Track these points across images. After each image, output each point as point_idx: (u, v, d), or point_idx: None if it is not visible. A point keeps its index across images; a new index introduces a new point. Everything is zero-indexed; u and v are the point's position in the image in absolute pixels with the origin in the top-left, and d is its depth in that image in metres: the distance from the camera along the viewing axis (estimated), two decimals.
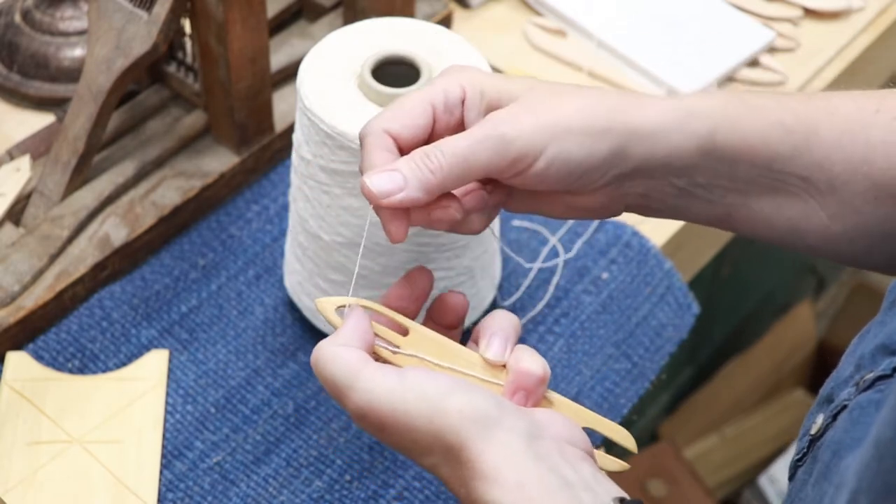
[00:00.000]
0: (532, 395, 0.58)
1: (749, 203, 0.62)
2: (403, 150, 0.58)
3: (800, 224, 0.62)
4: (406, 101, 0.59)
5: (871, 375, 0.54)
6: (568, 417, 0.57)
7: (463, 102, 0.59)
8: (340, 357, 0.56)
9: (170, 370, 0.80)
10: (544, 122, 0.57)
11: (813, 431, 0.57)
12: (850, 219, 0.61)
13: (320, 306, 0.60)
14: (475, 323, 0.75)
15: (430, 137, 0.59)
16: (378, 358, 0.58)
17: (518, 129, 0.57)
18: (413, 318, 0.61)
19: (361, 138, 0.59)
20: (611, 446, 0.63)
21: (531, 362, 0.58)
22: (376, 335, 0.59)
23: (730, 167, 0.60)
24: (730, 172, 0.60)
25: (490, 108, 0.59)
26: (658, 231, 0.89)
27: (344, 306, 0.59)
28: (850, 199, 0.60)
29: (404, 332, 0.60)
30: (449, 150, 0.57)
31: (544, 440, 0.54)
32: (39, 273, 0.80)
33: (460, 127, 0.59)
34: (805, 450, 0.57)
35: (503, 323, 0.60)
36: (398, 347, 0.59)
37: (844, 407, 0.55)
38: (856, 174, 0.59)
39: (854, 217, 0.61)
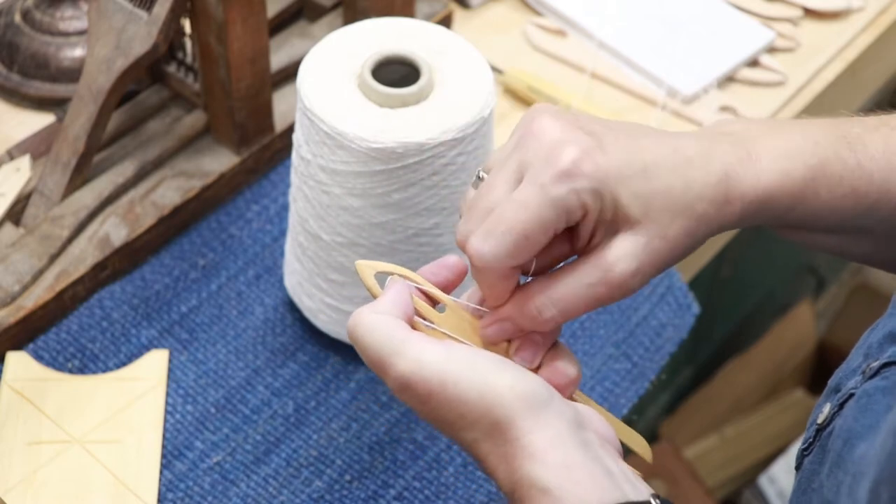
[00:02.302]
0: (561, 393, 0.58)
1: (799, 234, 0.63)
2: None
3: (847, 250, 0.64)
4: (531, 233, 0.55)
5: (877, 363, 0.54)
6: (601, 417, 0.58)
7: (582, 220, 0.56)
8: (384, 324, 0.55)
9: (170, 370, 0.80)
10: (659, 263, 0.57)
11: (819, 421, 0.57)
12: (894, 250, 0.62)
13: (360, 269, 0.59)
14: None
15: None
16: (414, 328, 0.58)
17: (640, 280, 0.57)
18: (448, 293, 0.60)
19: (479, 267, 0.56)
20: (625, 454, 0.63)
21: (567, 362, 0.59)
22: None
23: (789, 228, 0.62)
24: (787, 228, 0.62)
25: (609, 223, 0.56)
26: None
27: (383, 272, 0.59)
28: None
29: (442, 308, 0.59)
30: (567, 310, 0.57)
31: (588, 431, 0.55)
32: (39, 273, 0.80)
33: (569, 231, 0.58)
34: (812, 439, 0.57)
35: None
36: (433, 323, 0.58)
37: (851, 395, 0.55)
38: None
39: None
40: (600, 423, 0.57)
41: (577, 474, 0.52)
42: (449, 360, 0.54)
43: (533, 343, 0.58)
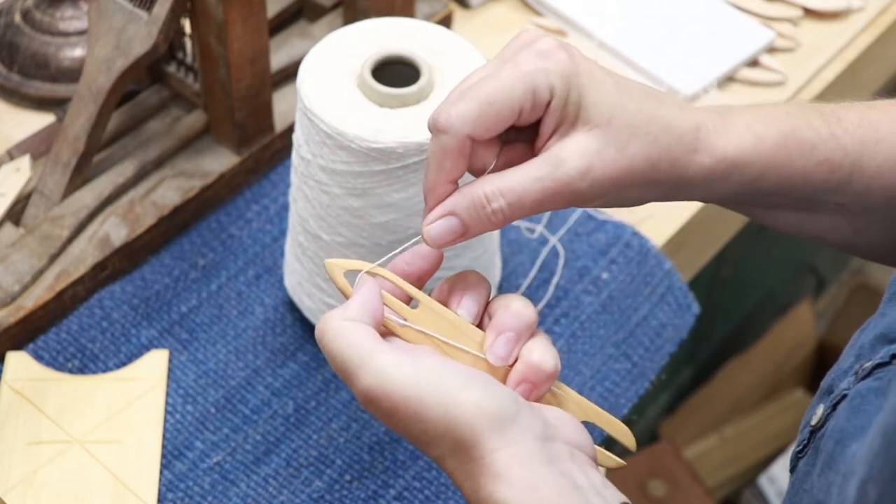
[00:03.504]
0: (537, 389, 0.57)
1: (775, 214, 0.63)
2: (475, 143, 0.57)
3: (824, 234, 0.64)
4: (495, 100, 0.55)
5: (869, 364, 0.54)
6: (576, 420, 0.57)
7: (546, 109, 0.56)
8: (350, 333, 0.54)
9: (170, 370, 0.80)
10: (614, 174, 0.56)
11: (813, 422, 0.57)
12: (875, 233, 0.62)
13: (328, 269, 0.58)
14: None
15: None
16: (385, 329, 0.57)
17: (591, 184, 0.56)
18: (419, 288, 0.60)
19: (438, 131, 0.56)
20: (611, 444, 0.63)
21: (543, 356, 0.57)
22: (384, 304, 0.57)
23: (765, 197, 0.61)
24: (763, 199, 0.61)
25: (571, 121, 0.56)
26: (658, 231, 0.89)
27: (353, 270, 0.58)
28: (881, 220, 0.61)
29: (410, 301, 0.58)
30: (516, 205, 0.56)
31: (557, 442, 0.54)
32: (39, 273, 0.80)
33: (535, 126, 0.58)
34: (806, 441, 0.57)
35: (513, 322, 0.57)
36: (405, 320, 0.57)
37: (844, 396, 0.55)
38: (893, 200, 0.60)
39: (879, 232, 0.62)
40: (572, 430, 0.56)
41: (543, 492, 0.51)
42: (414, 375, 0.53)
43: (506, 339, 0.57)
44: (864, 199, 0.61)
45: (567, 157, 0.56)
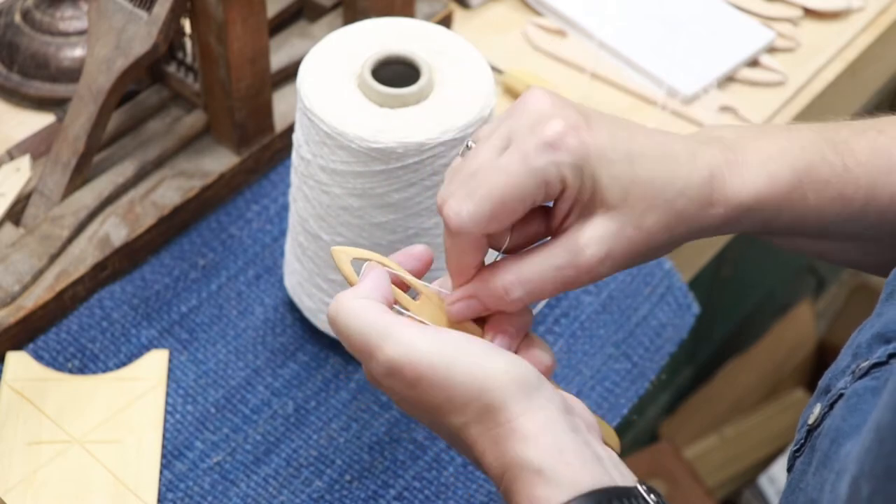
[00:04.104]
0: None
1: (787, 240, 0.63)
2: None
3: (835, 256, 0.64)
4: (507, 200, 0.54)
5: (866, 363, 0.54)
6: (582, 403, 0.58)
7: (560, 196, 0.56)
8: (367, 309, 0.55)
9: (170, 370, 0.80)
10: (631, 253, 0.57)
11: (810, 422, 0.57)
12: (886, 255, 0.62)
13: (335, 255, 0.59)
14: None
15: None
16: None
17: (608, 266, 0.57)
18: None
19: (454, 229, 0.55)
20: None
21: (541, 351, 0.58)
22: None
23: (777, 233, 0.61)
24: (774, 234, 0.62)
25: (586, 204, 0.56)
26: None
27: (359, 259, 0.59)
28: (890, 245, 0.61)
29: (414, 294, 0.59)
30: (534, 293, 0.56)
31: (575, 416, 0.55)
32: (39, 273, 0.80)
33: (546, 211, 0.58)
34: (803, 440, 0.57)
35: (513, 320, 0.59)
36: (408, 310, 0.58)
37: (841, 396, 0.55)
38: None
39: (886, 254, 0.62)
40: (584, 411, 0.57)
41: (569, 456, 0.52)
42: (439, 344, 0.54)
43: (507, 335, 0.58)
44: (877, 228, 0.61)
45: (586, 244, 0.56)
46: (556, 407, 0.54)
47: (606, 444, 0.60)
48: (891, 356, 0.53)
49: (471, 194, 0.55)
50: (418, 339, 0.54)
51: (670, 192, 0.57)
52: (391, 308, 0.57)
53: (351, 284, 0.58)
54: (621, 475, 0.53)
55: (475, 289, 0.57)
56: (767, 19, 1.05)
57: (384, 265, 0.59)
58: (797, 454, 0.58)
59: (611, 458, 0.54)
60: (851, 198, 0.60)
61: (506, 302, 0.57)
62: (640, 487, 0.53)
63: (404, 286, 0.59)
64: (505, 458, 0.53)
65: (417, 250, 0.60)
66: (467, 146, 0.58)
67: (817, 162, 0.59)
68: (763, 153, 0.59)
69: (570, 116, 0.55)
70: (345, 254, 0.59)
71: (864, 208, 0.60)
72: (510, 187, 0.54)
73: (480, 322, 0.59)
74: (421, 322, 0.57)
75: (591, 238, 0.56)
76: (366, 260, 0.59)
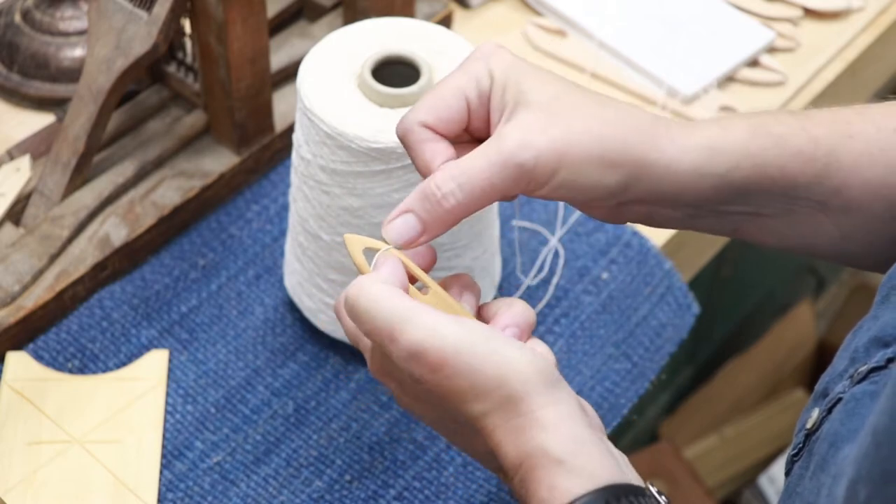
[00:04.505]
0: (520, 338, 0.59)
1: (759, 221, 0.62)
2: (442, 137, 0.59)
3: (811, 240, 0.63)
4: (442, 92, 0.58)
5: (864, 368, 0.54)
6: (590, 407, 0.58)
7: (490, 96, 0.59)
8: (390, 293, 0.55)
9: (170, 370, 0.80)
10: (560, 146, 0.56)
11: (808, 426, 0.57)
12: (863, 236, 0.61)
13: (348, 242, 0.59)
14: None
15: (467, 126, 0.60)
16: None
17: (535, 155, 0.56)
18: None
19: (401, 136, 0.59)
20: None
21: (545, 349, 0.59)
22: None
23: (744, 197, 0.60)
24: (743, 200, 0.61)
25: (513, 105, 0.58)
26: (658, 231, 0.89)
27: (371, 248, 0.59)
28: (866, 219, 0.61)
29: (421, 287, 0.60)
30: (466, 186, 0.56)
31: (588, 415, 0.56)
32: (39, 273, 0.80)
33: (488, 119, 0.59)
34: (801, 445, 0.57)
35: (518, 319, 0.59)
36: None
37: (839, 400, 0.55)
38: (874, 197, 0.60)
39: (868, 235, 0.61)
40: (592, 412, 0.57)
41: (589, 448, 0.53)
42: (464, 331, 0.54)
43: (511, 334, 0.58)
44: (843, 195, 0.60)
45: (510, 131, 0.57)
46: (574, 402, 0.54)
47: None
48: (889, 360, 0.53)
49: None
50: (443, 325, 0.54)
51: (606, 110, 0.58)
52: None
53: (362, 273, 0.58)
54: (634, 475, 0.54)
55: (409, 200, 0.58)
56: (767, 19, 1.05)
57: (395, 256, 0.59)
58: (795, 458, 0.58)
59: (622, 458, 0.55)
60: (812, 156, 0.59)
61: (438, 200, 0.57)
62: (651, 488, 0.53)
63: (411, 279, 0.59)
64: (525, 448, 0.53)
65: (422, 248, 0.60)
66: None
67: (771, 122, 0.60)
68: (712, 120, 0.60)
69: (512, 54, 0.60)
70: (358, 242, 0.59)
71: (827, 168, 0.59)
72: (444, 83, 0.59)
73: (486, 322, 0.60)
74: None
75: (515, 126, 0.57)
76: (376, 250, 0.59)
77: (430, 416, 0.58)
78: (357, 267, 0.59)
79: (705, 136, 0.58)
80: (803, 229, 0.62)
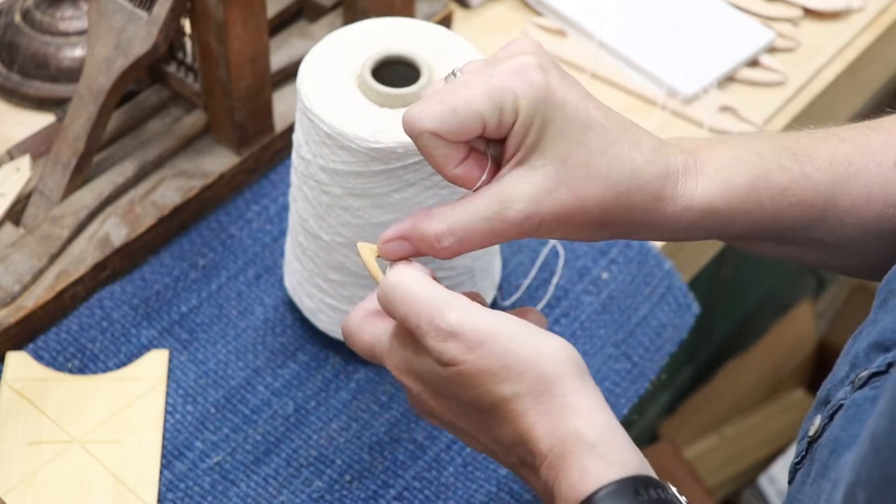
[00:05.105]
0: None
1: (748, 244, 0.64)
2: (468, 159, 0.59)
3: (800, 258, 0.65)
4: (459, 110, 0.56)
5: (865, 373, 0.54)
6: None
7: (509, 132, 0.57)
8: (429, 282, 0.56)
9: (170, 370, 0.80)
10: (564, 213, 0.57)
11: (811, 433, 0.57)
12: (852, 260, 0.62)
13: (361, 251, 0.60)
14: None
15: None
16: None
17: (538, 223, 0.57)
18: None
19: (413, 136, 0.57)
20: None
21: (535, 315, 0.60)
22: None
23: (734, 238, 0.62)
24: (733, 239, 0.62)
25: (530, 147, 0.56)
26: None
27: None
28: (857, 250, 0.61)
29: None
30: (465, 239, 0.57)
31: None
32: (39, 273, 0.80)
33: (504, 136, 0.58)
34: (804, 452, 0.57)
35: (530, 321, 0.59)
36: None
37: (841, 406, 0.55)
38: (868, 231, 0.60)
39: (857, 258, 0.62)
40: None
41: (620, 438, 0.53)
42: (501, 317, 0.55)
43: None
44: (838, 233, 0.61)
45: (516, 198, 0.56)
46: (601, 394, 0.55)
47: None
48: (889, 365, 0.53)
49: (428, 99, 0.56)
50: (481, 310, 0.55)
51: (615, 172, 0.57)
52: None
53: (376, 279, 0.59)
54: (646, 467, 0.54)
55: (409, 231, 0.58)
56: (767, 19, 1.05)
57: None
58: (798, 466, 0.58)
59: (640, 452, 0.55)
60: (811, 204, 0.60)
61: (437, 249, 0.57)
62: (672, 488, 0.53)
63: None
64: (559, 432, 0.53)
65: None
66: (453, 73, 0.59)
67: (774, 169, 0.59)
68: (718, 160, 0.59)
69: (546, 61, 0.56)
70: (370, 249, 0.60)
71: (824, 214, 0.60)
72: (465, 98, 0.55)
73: None
74: None
75: (522, 193, 0.56)
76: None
77: (451, 413, 0.58)
78: (371, 274, 0.60)
79: (706, 196, 0.58)
80: (792, 252, 0.64)
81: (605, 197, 0.57)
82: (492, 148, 0.59)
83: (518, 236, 0.58)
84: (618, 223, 0.58)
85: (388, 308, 0.57)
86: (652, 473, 0.54)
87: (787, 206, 0.59)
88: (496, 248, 0.81)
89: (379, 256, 0.60)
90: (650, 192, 0.57)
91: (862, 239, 0.61)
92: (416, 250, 0.58)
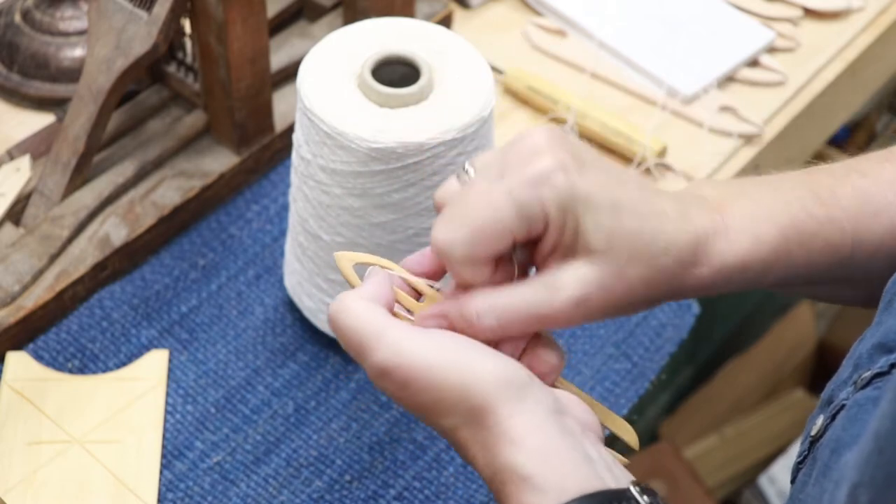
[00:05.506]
0: (543, 380, 0.57)
1: (785, 290, 0.63)
2: None
3: (825, 298, 0.65)
4: (487, 229, 0.54)
5: (867, 374, 0.54)
6: (582, 402, 0.57)
7: (543, 234, 0.56)
8: (365, 310, 0.55)
9: (170, 370, 0.80)
10: (608, 303, 0.56)
11: (813, 433, 0.57)
12: (876, 292, 0.62)
13: (338, 260, 0.59)
14: None
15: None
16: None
17: (584, 311, 0.56)
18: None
19: (444, 261, 0.56)
20: (612, 442, 0.63)
21: (549, 350, 0.58)
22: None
23: (772, 287, 0.61)
24: (770, 287, 0.62)
25: (569, 246, 0.56)
26: None
27: (362, 263, 0.59)
28: (881, 284, 0.61)
29: (418, 296, 0.59)
30: (506, 321, 0.56)
31: (568, 417, 0.55)
32: (39, 273, 0.80)
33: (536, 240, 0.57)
34: (806, 452, 0.57)
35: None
36: (411, 313, 0.58)
37: (843, 406, 0.55)
38: (892, 268, 0.60)
39: (880, 290, 0.62)
40: (581, 410, 0.56)
41: (557, 461, 0.52)
42: (428, 346, 0.54)
43: (512, 339, 0.58)
44: (866, 271, 0.61)
45: (564, 285, 0.56)
46: (545, 409, 0.54)
47: (619, 437, 0.60)
48: (892, 366, 0.53)
49: (453, 219, 0.55)
50: (407, 342, 0.54)
51: (655, 248, 0.56)
52: (393, 311, 0.57)
53: (353, 288, 0.58)
54: (614, 477, 0.53)
55: (448, 308, 0.57)
56: (767, 19, 1.05)
57: (388, 268, 0.59)
58: (800, 465, 0.58)
59: (604, 459, 0.54)
60: (839, 246, 0.60)
61: (476, 327, 0.56)
62: (633, 489, 0.52)
63: (414, 292, 0.59)
64: (494, 463, 0.53)
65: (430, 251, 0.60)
66: (465, 170, 0.58)
67: (801, 217, 0.59)
68: (747, 214, 0.59)
69: (562, 156, 0.55)
70: (347, 259, 0.59)
71: (852, 253, 0.60)
72: (491, 217, 0.54)
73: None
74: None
75: (570, 279, 0.56)
76: (369, 264, 0.59)
77: (424, 422, 0.58)
78: (348, 283, 0.59)
79: (738, 254, 0.58)
80: (818, 292, 0.64)
81: (649, 276, 0.56)
82: (518, 252, 0.58)
83: (561, 325, 0.57)
84: (659, 296, 0.58)
85: (334, 332, 0.57)
86: (609, 482, 0.52)
87: (817, 252, 0.59)
88: None
89: (357, 264, 0.59)
90: (685, 261, 0.57)
91: (887, 270, 0.61)
92: (450, 325, 0.57)
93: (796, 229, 0.59)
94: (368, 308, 0.55)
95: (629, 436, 0.60)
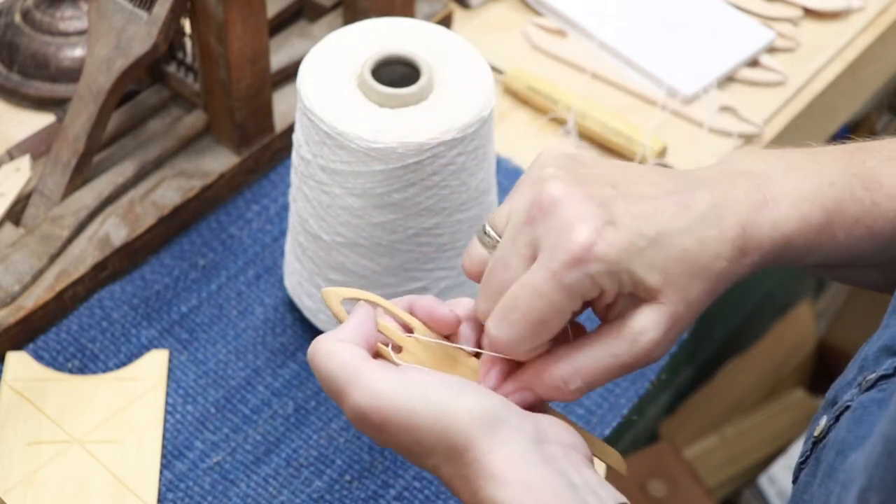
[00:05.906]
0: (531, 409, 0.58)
1: (822, 273, 0.64)
2: None
3: (854, 282, 0.64)
4: (547, 319, 0.55)
5: (873, 376, 0.54)
6: (565, 423, 0.57)
7: (599, 296, 0.56)
8: (340, 353, 0.55)
9: (170, 370, 0.80)
10: (679, 331, 0.57)
11: (816, 433, 0.57)
12: None
13: (325, 297, 0.59)
14: None
15: None
16: (377, 356, 0.57)
17: (664, 348, 0.56)
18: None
19: (506, 353, 0.56)
20: (613, 442, 0.63)
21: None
22: (380, 332, 0.58)
23: (811, 268, 0.61)
24: (808, 268, 0.62)
25: (631, 297, 0.56)
26: None
27: (350, 299, 0.58)
28: None
29: (409, 330, 0.59)
30: (592, 380, 0.56)
31: (550, 443, 0.54)
32: (39, 273, 0.80)
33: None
34: (808, 452, 0.57)
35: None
36: (400, 349, 0.58)
37: (847, 408, 0.55)
38: None
39: None
40: (565, 432, 0.56)
41: (539, 491, 0.52)
42: (403, 388, 0.54)
43: (500, 372, 0.58)
44: None
45: (643, 330, 0.56)
46: (525, 439, 0.53)
47: (606, 462, 0.60)
48: None
49: (506, 317, 0.55)
50: (382, 384, 0.54)
51: (706, 259, 0.56)
52: (378, 349, 0.57)
53: (341, 323, 0.58)
54: (599, 500, 0.53)
55: (530, 381, 0.57)
56: (767, 19, 1.05)
57: (375, 303, 0.58)
58: (802, 466, 0.58)
59: (588, 484, 0.53)
60: (880, 231, 0.59)
61: (565, 393, 0.56)
62: None
63: (408, 327, 0.59)
64: (476, 499, 0.53)
65: (439, 314, 0.59)
66: (485, 232, 0.58)
67: (847, 200, 0.59)
68: (793, 191, 0.58)
69: (593, 217, 0.54)
70: (335, 294, 0.59)
71: (892, 239, 0.59)
72: (546, 308, 0.54)
73: (477, 355, 0.59)
74: (397, 364, 0.57)
75: (646, 323, 0.56)
76: (357, 300, 0.58)
77: (411, 462, 0.59)
78: (336, 318, 0.58)
79: (784, 233, 0.57)
80: (851, 275, 0.63)
81: (711, 285, 0.57)
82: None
83: (644, 366, 0.57)
84: (719, 293, 0.58)
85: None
86: (595, 503, 0.52)
87: (858, 238, 0.59)
88: None
89: (345, 300, 0.58)
90: (736, 256, 0.57)
91: None
92: (537, 397, 0.57)
93: (841, 213, 0.58)
94: (344, 350, 0.55)
95: (615, 460, 0.60)
